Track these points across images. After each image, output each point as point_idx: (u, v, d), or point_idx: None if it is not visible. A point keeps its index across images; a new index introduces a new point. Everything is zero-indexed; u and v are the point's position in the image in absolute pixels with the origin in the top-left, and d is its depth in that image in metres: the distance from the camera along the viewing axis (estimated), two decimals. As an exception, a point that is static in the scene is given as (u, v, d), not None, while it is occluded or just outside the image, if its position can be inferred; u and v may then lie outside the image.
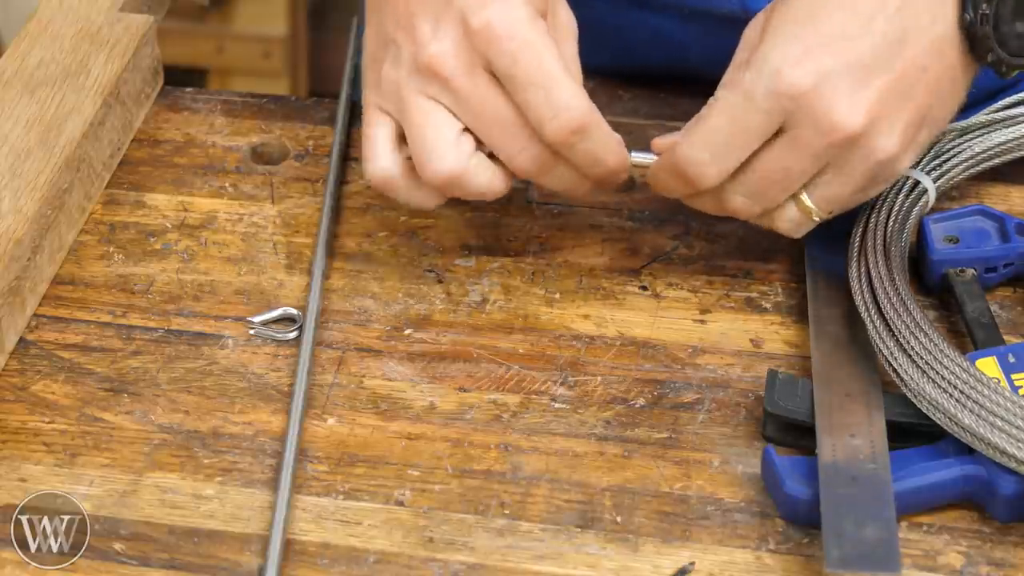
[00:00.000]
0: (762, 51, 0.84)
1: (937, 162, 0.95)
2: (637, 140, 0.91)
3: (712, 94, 0.92)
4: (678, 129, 0.90)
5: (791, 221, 0.88)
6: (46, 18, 1.07)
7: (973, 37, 0.85)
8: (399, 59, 0.87)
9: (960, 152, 0.95)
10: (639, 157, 0.89)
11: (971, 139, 0.96)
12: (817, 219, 0.88)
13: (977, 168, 0.96)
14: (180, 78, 1.14)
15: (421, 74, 0.86)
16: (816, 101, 0.82)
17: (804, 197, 0.87)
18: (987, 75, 0.89)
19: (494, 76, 0.85)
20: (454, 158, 0.86)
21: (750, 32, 0.88)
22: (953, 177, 0.95)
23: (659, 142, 0.89)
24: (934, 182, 0.94)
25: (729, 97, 0.84)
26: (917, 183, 0.93)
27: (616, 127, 0.89)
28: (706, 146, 0.85)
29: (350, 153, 1.03)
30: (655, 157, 0.89)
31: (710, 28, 1.06)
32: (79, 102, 1.00)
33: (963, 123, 0.96)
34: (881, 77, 0.83)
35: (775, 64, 0.83)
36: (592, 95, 1.08)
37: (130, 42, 1.05)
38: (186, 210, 1.00)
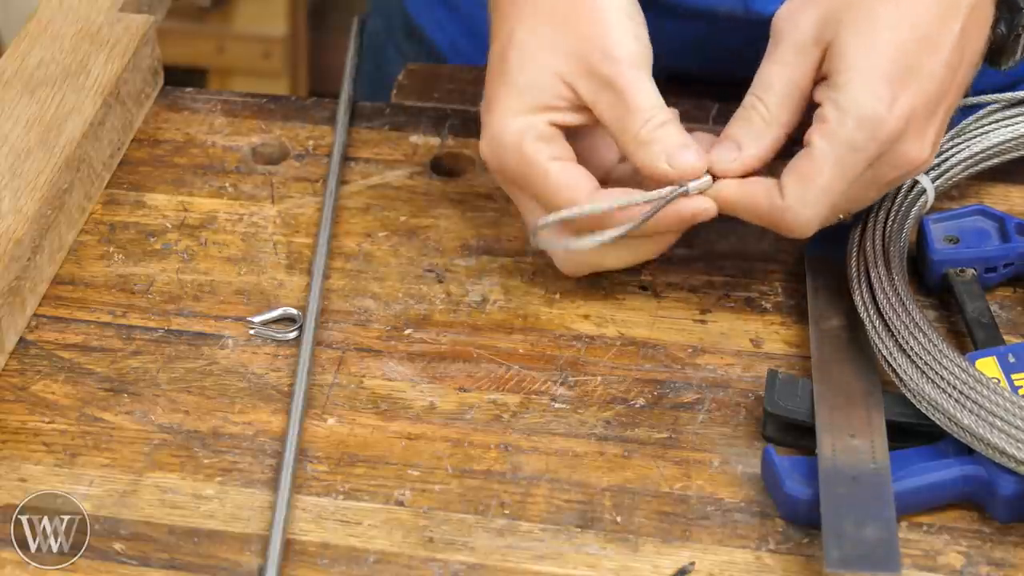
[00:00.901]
0: (851, 91, 0.83)
1: (936, 162, 0.95)
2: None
3: (712, 94, 0.93)
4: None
5: (819, 226, 0.89)
6: (46, 18, 1.07)
7: (999, 50, 0.88)
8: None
9: (959, 152, 0.95)
10: (696, 184, 0.86)
11: (970, 139, 0.96)
12: (841, 219, 0.90)
13: (976, 168, 0.96)
14: (180, 78, 1.14)
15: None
16: (902, 143, 0.84)
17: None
18: (988, 76, 0.90)
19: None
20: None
21: (791, 29, 0.86)
22: (952, 177, 0.95)
23: (718, 162, 0.87)
24: (933, 182, 0.94)
25: (833, 150, 0.83)
26: (916, 183, 0.93)
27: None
28: (821, 204, 0.84)
29: (350, 153, 1.03)
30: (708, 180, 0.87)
31: (711, 28, 1.06)
32: (79, 102, 1.00)
33: (962, 123, 0.96)
34: (943, 105, 0.86)
35: (872, 110, 0.83)
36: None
37: (130, 42, 1.05)
38: (186, 210, 1.00)
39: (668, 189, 0.86)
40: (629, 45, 0.87)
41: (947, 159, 0.95)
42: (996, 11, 0.87)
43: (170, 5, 1.14)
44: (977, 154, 0.96)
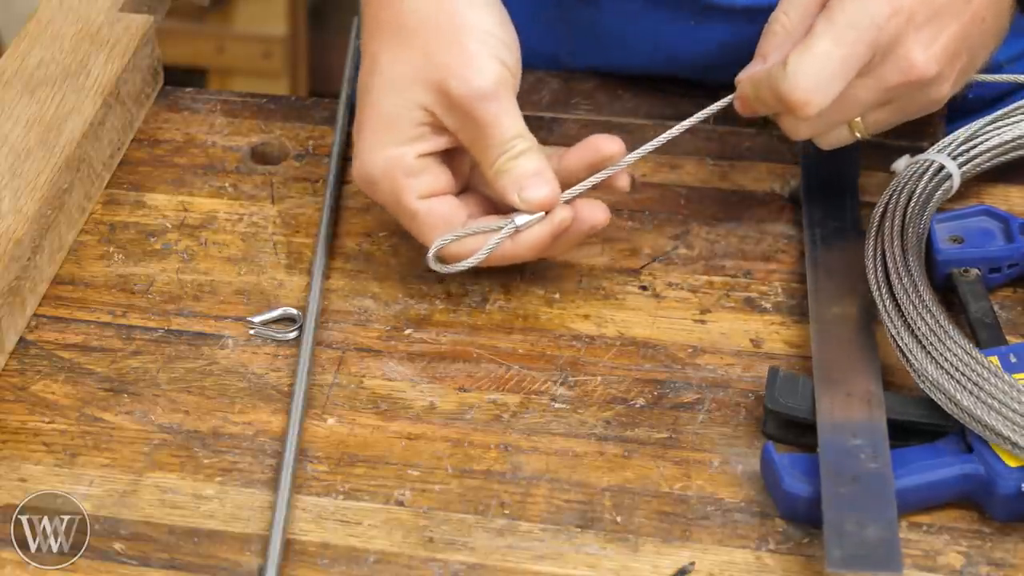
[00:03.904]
0: None
1: (965, 148, 0.95)
2: (638, 140, 0.91)
3: (712, 95, 0.92)
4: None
5: (836, 139, 0.92)
6: (46, 18, 1.06)
7: None
8: None
9: (990, 139, 0.95)
10: (522, 219, 0.88)
11: (1002, 127, 0.96)
12: (860, 137, 0.91)
13: (1005, 157, 0.96)
14: (180, 78, 1.14)
15: None
16: (902, 43, 0.86)
17: (858, 120, 0.90)
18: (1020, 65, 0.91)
19: None
20: None
21: None
22: (980, 164, 0.95)
23: (743, 75, 0.90)
24: (960, 168, 0.93)
25: (836, 25, 0.85)
26: (942, 167, 0.93)
27: (616, 127, 0.89)
28: (817, 74, 0.86)
29: (350, 153, 1.03)
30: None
31: (711, 28, 1.06)
32: (79, 102, 1.00)
33: (996, 112, 0.96)
34: (951, 26, 0.87)
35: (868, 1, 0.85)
36: (592, 95, 1.08)
37: (130, 42, 1.05)
38: (186, 210, 1.00)
39: (504, 227, 0.88)
40: (490, 71, 0.87)
41: (977, 145, 0.95)
42: None
43: (170, 5, 1.14)
44: (1008, 143, 0.95)
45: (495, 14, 0.89)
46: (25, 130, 0.98)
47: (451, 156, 0.91)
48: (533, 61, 1.10)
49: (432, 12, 0.88)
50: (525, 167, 0.88)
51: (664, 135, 0.90)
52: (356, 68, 1.10)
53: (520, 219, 0.88)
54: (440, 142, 0.89)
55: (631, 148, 0.90)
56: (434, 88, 0.87)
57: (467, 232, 0.88)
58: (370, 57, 0.90)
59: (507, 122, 0.88)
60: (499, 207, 0.91)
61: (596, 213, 0.89)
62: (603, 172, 0.89)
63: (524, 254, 0.89)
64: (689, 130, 0.91)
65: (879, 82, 0.88)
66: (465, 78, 0.87)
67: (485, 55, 0.88)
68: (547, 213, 0.88)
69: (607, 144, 0.90)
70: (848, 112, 0.89)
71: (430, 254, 0.88)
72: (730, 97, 0.90)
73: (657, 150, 0.91)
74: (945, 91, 0.89)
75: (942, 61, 0.87)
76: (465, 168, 0.93)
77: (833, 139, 0.92)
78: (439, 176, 0.90)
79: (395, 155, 0.88)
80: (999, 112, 0.96)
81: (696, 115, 0.91)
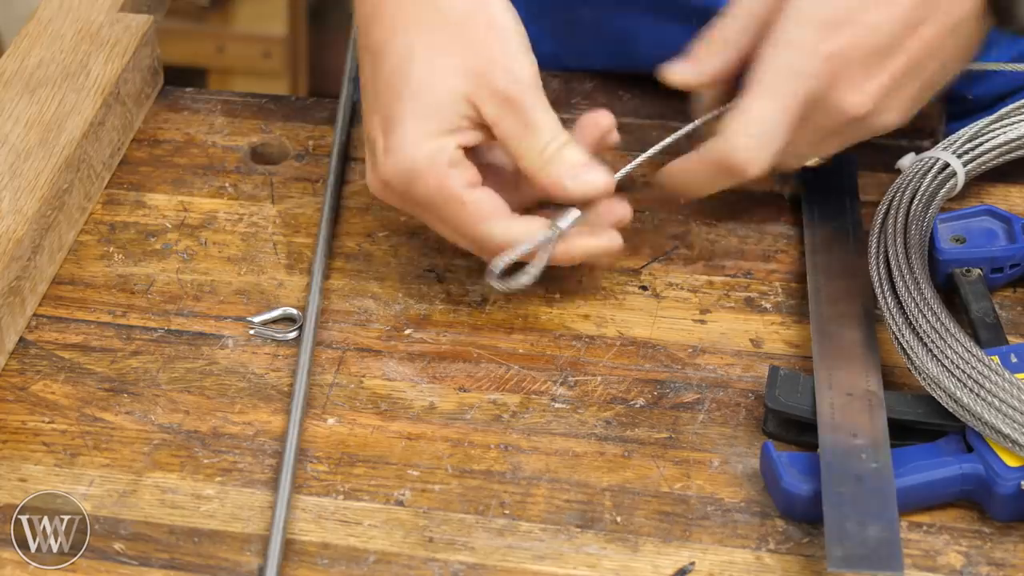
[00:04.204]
0: (785, 27, 0.85)
1: (970, 146, 0.95)
2: (637, 140, 0.91)
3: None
4: (676, 129, 0.90)
5: (785, 171, 0.93)
6: (46, 18, 1.06)
7: (1006, 9, 0.87)
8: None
9: (996, 137, 0.95)
10: (566, 219, 0.88)
11: (1008, 125, 0.96)
12: (809, 165, 0.92)
13: (1009, 155, 0.96)
14: (180, 78, 1.14)
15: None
16: (835, 90, 0.86)
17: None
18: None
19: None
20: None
21: None
22: (986, 162, 0.95)
23: (672, 74, 0.91)
24: (964, 166, 0.93)
25: (768, 84, 0.86)
26: (947, 165, 0.93)
27: (617, 127, 0.89)
28: (763, 138, 0.87)
29: (350, 153, 1.03)
30: (576, 214, 0.88)
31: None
32: (79, 102, 1.00)
33: (1001, 110, 0.96)
34: (894, 60, 0.86)
35: (796, 46, 0.85)
36: (592, 95, 1.08)
37: (130, 42, 1.05)
38: (186, 210, 1.00)
39: (546, 233, 0.87)
40: (529, 65, 0.88)
41: (981, 144, 0.95)
42: None
43: (170, 5, 1.14)
44: (1012, 141, 0.95)
45: (518, 18, 0.89)
46: (25, 130, 0.98)
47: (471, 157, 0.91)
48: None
49: (471, 10, 0.88)
50: (576, 155, 0.87)
51: (660, 144, 0.91)
52: (356, 68, 1.10)
53: (563, 222, 0.87)
54: (476, 136, 0.88)
55: (631, 147, 0.90)
56: (479, 79, 0.87)
57: (524, 250, 0.87)
58: (403, 48, 0.88)
59: (550, 110, 0.88)
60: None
61: (619, 209, 0.89)
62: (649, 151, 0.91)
63: (577, 254, 0.89)
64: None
65: (817, 129, 0.88)
66: (511, 69, 0.87)
67: (524, 51, 0.88)
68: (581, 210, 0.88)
69: (604, 119, 0.90)
70: (791, 160, 0.91)
71: (496, 270, 0.87)
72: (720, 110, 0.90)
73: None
74: (891, 120, 0.89)
75: (879, 97, 0.87)
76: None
77: (781, 173, 0.93)
78: (475, 171, 0.89)
79: (440, 145, 0.87)
80: (1002, 110, 0.96)
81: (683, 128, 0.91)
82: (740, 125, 0.87)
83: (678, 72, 0.90)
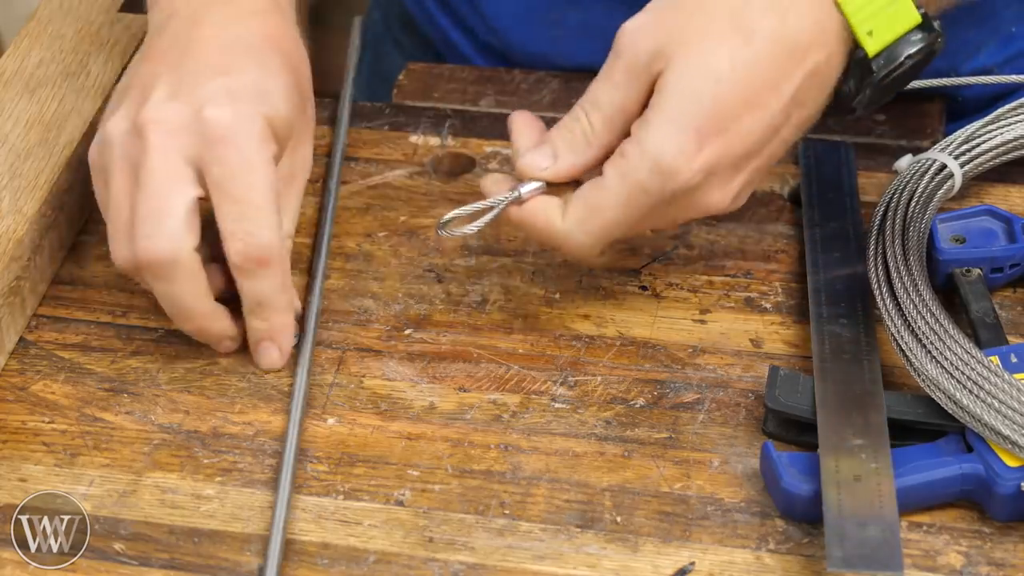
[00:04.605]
0: (655, 133, 0.82)
1: (967, 147, 0.94)
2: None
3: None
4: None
5: (597, 252, 0.89)
6: (46, 18, 1.06)
7: (843, 103, 0.87)
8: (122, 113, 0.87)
9: (992, 138, 0.95)
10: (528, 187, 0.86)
11: (1004, 126, 0.96)
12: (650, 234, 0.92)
13: (1007, 156, 0.95)
14: (180, 78, 1.14)
15: (130, 134, 0.85)
16: (698, 193, 0.84)
17: None
18: (1016, 67, 0.90)
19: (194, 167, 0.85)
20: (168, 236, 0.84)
21: (629, 50, 0.84)
22: (982, 163, 0.95)
23: (528, 167, 0.86)
24: (961, 167, 0.93)
25: (623, 188, 0.83)
26: (944, 166, 0.93)
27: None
28: (601, 236, 0.85)
29: (351, 153, 1.03)
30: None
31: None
32: (79, 102, 1.00)
33: (997, 111, 0.96)
34: (755, 161, 0.85)
35: (668, 159, 0.82)
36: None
37: (130, 42, 1.04)
38: (186, 210, 1.00)
39: (507, 195, 0.85)
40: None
41: (978, 145, 0.95)
42: (846, 72, 0.85)
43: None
44: (1009, 142, 0.95)
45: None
46: (25, 130, 0.98)
47: None
48: (525, 61, 1.10)
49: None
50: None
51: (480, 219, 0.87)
52: (356, 68, 1.10)
53: (525, 188, 0.86)
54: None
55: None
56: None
57: (478, 206, 0.86)
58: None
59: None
60: None
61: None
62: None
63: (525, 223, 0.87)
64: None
65: (670, 219, 0.86)
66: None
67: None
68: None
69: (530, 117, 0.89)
70: (635, 236, 0.90)
71: (440, 222, 0.86)
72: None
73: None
74: (738, 205, 0.87)
75: (735, 193, 0.85)
76: None
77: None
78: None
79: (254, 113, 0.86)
80: (998, 111, 0.96)
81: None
82: (585, 222, 0.84)
83: (535, 168, 0.85)
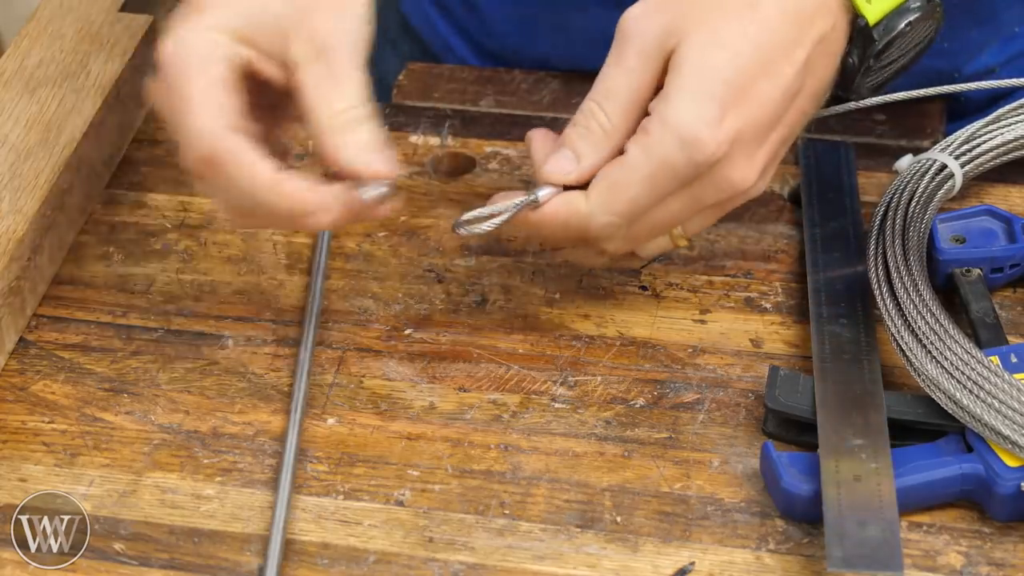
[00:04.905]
0: (677, 106, 0.81)
1: (967, 147, 0.94)
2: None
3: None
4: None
5: (656, 249, 0.89)
6: (46, 18, 1.06)
7: (847, 80, 0.87)
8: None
9: (992, 138, 0.95)
10: (372, 191, 0.82)
11: (1005, 126, 0.96)
12: (680, 246, 0.89)
13: (1007, 157, 0.95)
14: (180, 78, 1.14)
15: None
16: (725, 167, 0.82)
17: (676, 230, 0.87)
18: (1018, 67, 0.90)
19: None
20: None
21: (637, 34, 0.83)
22: (983, 164, 0.95)
23: (552, 174, 0.84)
24: (962, 167, 0.93)
25: (647, 163, 0.81)
26: (944, 166, 0.93)
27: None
28: (627, 216, 0.83)
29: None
30: (384, 188, 0.82)
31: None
32: (79, 102, 1.00)
33: (998, 111, 0.96)
34: (776, 132, 0.84)
35: (693, 129, 0.80)
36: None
37: (130, 42, 1.04)
38: (186, 210, 1.00)
39: (523, 199, 0.84)
40: (359, 25, 0.82)
41: (978, 145, 0.95)
42: (848, 42, 0.86)
43: (170, 5, 1.14)
44: (1009, 142, 0.95)
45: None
46: (25, 130, 0.98)
47: (267, 115, 0.85)
48: (523, 64, 1.10)
49: None
50: (370, 136, 0.81)
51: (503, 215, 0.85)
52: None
53: (541, 192, 0.84)
54: (270, 67, 0.82)
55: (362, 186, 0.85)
56: (301, 13, 0.82)
57: (494, 209, 0.84)
58: None
59: (359, 78, 0.81)
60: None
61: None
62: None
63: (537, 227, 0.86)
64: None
65: (696, 200, 0.84)
66: (336, 12, 0.81)
67: (361, 17, 0.82)
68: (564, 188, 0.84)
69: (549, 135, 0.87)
70: (665, 227, 0.85)
71: (458, 221, 0.85)
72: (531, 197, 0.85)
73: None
74: (761, 187, 0.85)
75: (761, 168, 0.84)
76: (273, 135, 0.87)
77: (652, 251, 0.89)
78: (235, 79, 0.82)
79: (226, 43, 0.81)
80: (999, 111, 0.96)
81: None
82: (610, 202, 0.83)
83: (560, 173, 0.84)
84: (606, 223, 0.83)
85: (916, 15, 0.86)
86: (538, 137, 0.87)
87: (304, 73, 0.82)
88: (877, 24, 0.85)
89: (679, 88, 0.81)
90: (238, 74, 0.82)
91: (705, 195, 0.84)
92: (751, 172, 0.83)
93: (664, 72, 0.82)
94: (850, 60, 0.86)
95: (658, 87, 0.83)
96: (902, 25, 0.86)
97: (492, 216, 0.85)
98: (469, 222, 0.85)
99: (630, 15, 0.84)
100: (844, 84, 0.88)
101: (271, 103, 0.85)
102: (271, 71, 0.83)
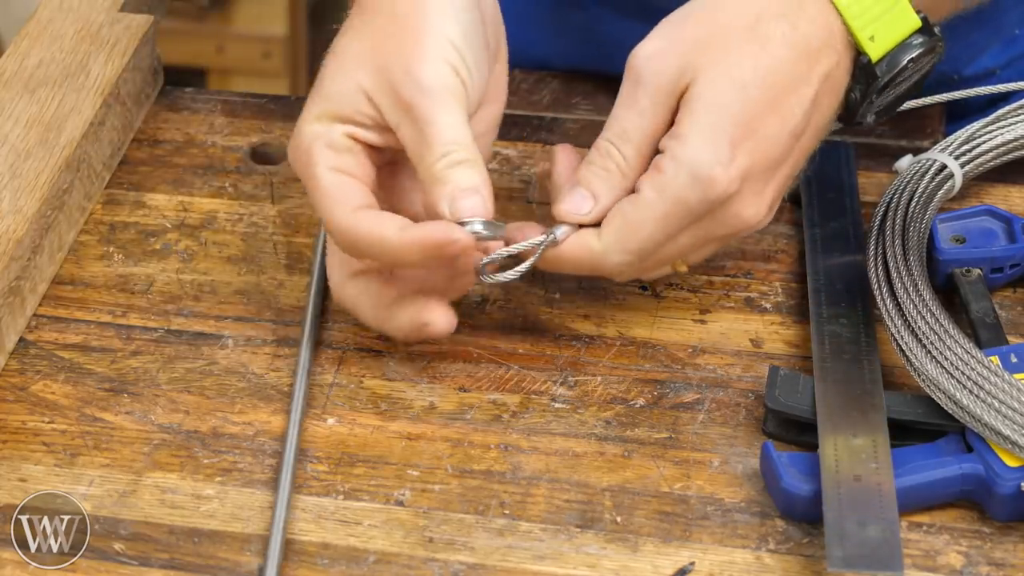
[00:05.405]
0: (690, 145, 0.82)
1: (967, 147, 0.94)
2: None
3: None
4: None
5: (658, 275, 0.89)
6: (46, 18, 1.07)
7: (850, 113, 0.88)
8: None
9: (992, 139, 0.95)
10: (477, 228, 0.83)
11: (1004, 126, 0.96)
12: (683, 269, 0.89)
13: (1007, 157, 0.95)
14: (180, 78, 1.14)
15: None
16: (736, 203, 0.83)
17: (679, 260, 0.88)
18: (1018, 70, 0.90)
19: None
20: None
21: (651, 75, 0.83)
22: (983, 164, 0.95)
23: (570, 214, 0.86)
24: (962, 167, 0.93)
25: (661, 203, 0.82)
26: (944, 167, 0.93)
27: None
28: (640, 254, 0.84)
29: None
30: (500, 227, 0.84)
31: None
32: (79, 102, 1.00)
33: (997, 112, 0.96)
34: (783, 169, 0.85)
35: (707, 168, 0.81)
36: (592, 95, 1.08)
37: (130, 42, 1.05)
38: (186, 210, 1.00)
39: (545, 239, 0.85)
40: (441, 73, 0.84)
41: (978, 145, 0.95)
42: (852, 79, 0.86)
43: (170, 5, 1.14)
44: (1009, 143, 0.95)
45: (464, 30, 0.85)
46: (25, 130, 0.98)
47: (388, 172, 0.88)
48: (525, 64, 1.10)
49: (405, 8, 0.85)
50: (464, 177, 0.83)
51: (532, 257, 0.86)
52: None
53: (560, 231, 0.85)
54: (378, 137, 0.85)
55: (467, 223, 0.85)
56: (379, 74, 0.84)
57: (513, 249, 0.85)
58: (342, 31, 0.88)
59: (453, 123, 0.83)
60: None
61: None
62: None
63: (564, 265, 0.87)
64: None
65: (706, 235, 0.85)
66: (413, 71, 0.83)
67: (438, 57, 0.84)
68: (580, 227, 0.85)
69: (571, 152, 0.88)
70: (672, 258, 0.87)
71: (481, 268, 0.86)
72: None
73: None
74: (767, 222, 0.86)
75: (770, 203, 0.85)
76: (398, 186, 0.89)
77: (654, 274, 0.89)
78: (362, 164, 0.85)
79: (324, 128, 0.85)
80: (999, 112, 0.96)
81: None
82: (623, 241, 0.84)
83: (578, 213, 0.85)
84: (620, 261, 0.85)
85: (918, 51, 0.86)
86: (562, 158, 0.88)
87: (400, 135, 0.85)
88: (880, 61, 0.86)
89: (692, 126, 0.82)
90: (352, 152, 0.85)
91: (715, 230, 0.85)
92: (761, 208, 0.85)
93: (676, 110, 0.83)
94: (852, 95, 0.87)
95: (670, 124, 0.84)
96: (905, 61, 0.86)
97: (512, 256, 0.85)
98: (493, 266, 0.86)
99: (641, 54, 0.84)
100: (847, 118, 0.88)
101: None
102: (381, 139, 0.86)
